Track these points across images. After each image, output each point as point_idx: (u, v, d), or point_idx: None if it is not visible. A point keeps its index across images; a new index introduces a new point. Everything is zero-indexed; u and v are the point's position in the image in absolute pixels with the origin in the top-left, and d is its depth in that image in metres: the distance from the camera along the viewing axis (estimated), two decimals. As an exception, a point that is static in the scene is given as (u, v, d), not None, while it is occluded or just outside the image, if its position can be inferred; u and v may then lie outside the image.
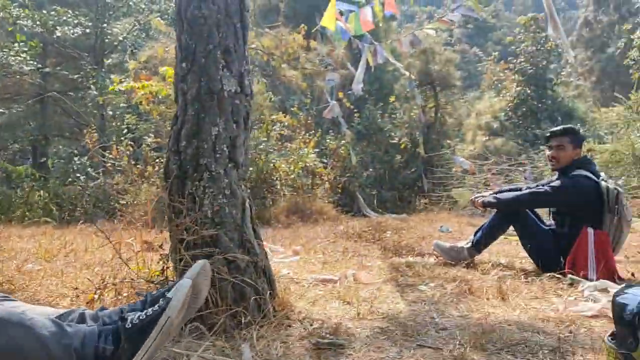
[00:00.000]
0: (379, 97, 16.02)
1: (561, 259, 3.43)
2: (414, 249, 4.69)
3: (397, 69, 13.85)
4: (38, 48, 12.30)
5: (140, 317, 1.57)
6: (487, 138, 18.21)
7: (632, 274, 3.66)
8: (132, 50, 14.13)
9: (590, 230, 3.39)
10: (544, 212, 4.57)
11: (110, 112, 13.16)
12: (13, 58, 11.58)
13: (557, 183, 3.61)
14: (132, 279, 2.42)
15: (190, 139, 2.23)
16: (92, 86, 13.23)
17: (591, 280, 3.19)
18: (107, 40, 15.01)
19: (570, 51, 7.03)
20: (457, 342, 2.09)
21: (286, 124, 9.27)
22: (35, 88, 14.07)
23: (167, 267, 2.28)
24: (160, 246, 2.35)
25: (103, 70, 14.05)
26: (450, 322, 2.39)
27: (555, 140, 3.66)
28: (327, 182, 9.43)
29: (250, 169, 8.08)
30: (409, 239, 5.42)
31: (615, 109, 17.30)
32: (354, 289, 2.90)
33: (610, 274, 3.33)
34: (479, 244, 3.84)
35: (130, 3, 15.04)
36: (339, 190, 9.97)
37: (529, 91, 18.07)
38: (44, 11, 13.07)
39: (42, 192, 9.28)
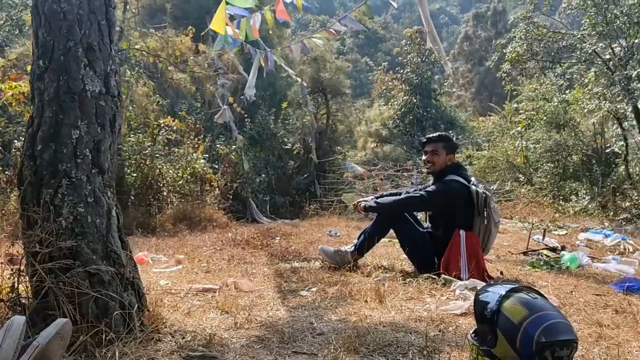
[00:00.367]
0: (273, 103, 16.04)
1: (436, 260, 3.59)
2: (301, 254, 4.70)
3: (290, 75, 13.97)
4: None
5: None
6: (377, 145, 18.90)
7: (501, 272, 3.92)
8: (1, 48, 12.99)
9: (462, 232, 3.58)
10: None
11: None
12: None
13: (431, 188, 3.79)
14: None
15: (47, 142, 2.05)
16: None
17: (463, 279, 3.37)
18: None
19: (448, 63, 7.43)
20: (332, 347, 2.09)
21: (175, 128, 8.96)
22: None
23: (20, 283, 2.07)
24: (11, 260, 2.13)
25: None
26: (327, 327, 2.40)
27: (430, 146, 3.84)
28: (217, 188, 9.23)
29: (134, 174, 7.70)
30: (297, 245, 5.43)
31: (491, 118, 18.68)
32: (233, 297, 2.83)
33: (481, 273, 3.54)
34: (362, 248, 3.92)
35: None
36: (231, 197, 9.80)
37: (415, 100, 19.02)
38: None
39: None
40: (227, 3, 5.96)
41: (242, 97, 8.96)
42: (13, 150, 7.55)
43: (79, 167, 2.08)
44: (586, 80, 11.06)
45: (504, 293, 1.84)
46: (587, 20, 10.65)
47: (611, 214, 8.80)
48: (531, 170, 12.70)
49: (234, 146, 10.52)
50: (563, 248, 5.10)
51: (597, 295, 3.18)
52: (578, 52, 11.28)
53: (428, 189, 3.82)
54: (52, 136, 2.06)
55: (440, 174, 3.81)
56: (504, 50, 13.39)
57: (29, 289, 2.07)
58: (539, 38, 11.79)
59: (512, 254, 5.04)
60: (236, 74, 9.99)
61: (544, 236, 5.77)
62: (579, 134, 11.77)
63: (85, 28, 2.16)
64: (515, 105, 15.13)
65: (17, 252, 2.49)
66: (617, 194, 9.58)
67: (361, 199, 4.17)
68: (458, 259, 3.52)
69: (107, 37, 2.25)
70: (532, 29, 11.83)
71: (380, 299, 2.87)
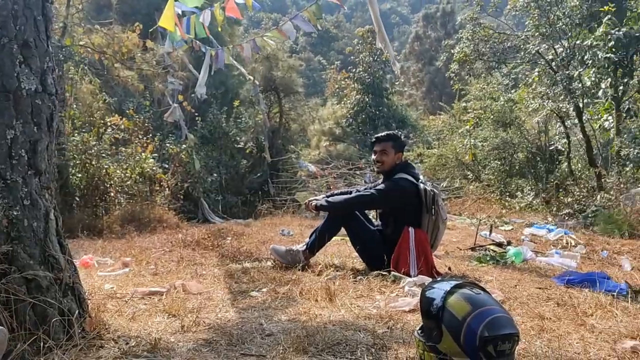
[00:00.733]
0: (224, 102, 15.87)
1: (386, 257, 3.62)
2: (253, 255, 4.66)
3: (242, 74, 13.84)
4: None
5: None
6: (330, 143, 18.97)
7: (449, 268, 4.00)
8: None
9: (411, 230, 3.64)
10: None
11: None
12: None
13: (381, 186, 3.83)
14: None
15: (-22, 143, 1.95)
16: None
17: (412, 276, 3.41)
18: None
19: (396, 63, 7.53)
20: (281, 347, 2.08)
21: (122, 127, 8.71)
22: None
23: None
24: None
25: None
26: (277, 327, 2.38)
27: (379, 146, 3.88)
28: (167, 189, 9.05)
29: (79, 175, 7.44)
30: (249, 245, 5.39)
31: (441, 117, 19.07)
32: (181, 300, 2.77)
33: (429, 269, 3.61)
34: (313, 246, 3.92)
35: None
36: (182, 197, 9.63)
37: (367, 99, 19.19)
38: None
39: None
40: (175, 0, 5.85)
41: (192, 95, 8.82)
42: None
43: (14, 168, 1.99)
44: (530, 80, 11.45)
45: (448, 289, 1.87)
46: (531, 21, 11.02)
47: (554, 209, 9.13)
48: (479, 167, 13.04)
49: (184, 145, 10.35)
50: (509, 243, 5.26)
51: (539, 288, 3.29)
52: (522, 53, 11.65)
53: (378, 187, 3.86)
54: (-17, 136, 1.96)
55: (389, 172, 3.85)
56: (452, 51, 13.69)
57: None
58: (486, 39, 12.12)
59: (461, 249, 5.15)
60: (186, 71, 9.83)
61: (490, 232, 5.93)
62: (524, 132, 12.17)
63: (21, 24, 2.06)
64: (464, 104, 15.51)
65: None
66: (560, 189, 9.95)
67: (312, 198, 4.17)
68: (407, 256, 3.57)
69: (43, 33, 2.15)
70: (478, 30, 12.14)
71: (331, 297, 2.87)
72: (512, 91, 13.98)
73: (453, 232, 6.67)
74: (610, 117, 9.09)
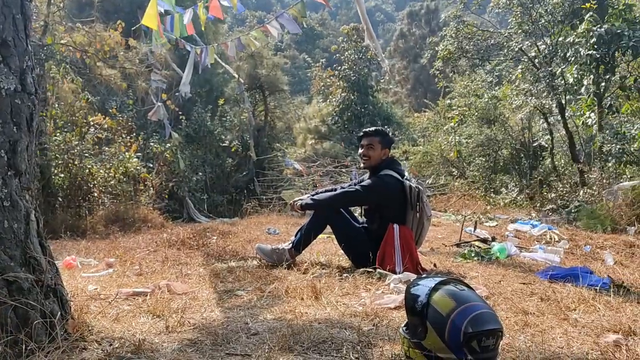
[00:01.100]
0: (209, 100, 15.79)
1: (371, 254, 3.63)
2: (238, 254, 4.65)
3: (227, 72, 13.77)
4: None
5: None
6: (316, 141, 18.96)
7: (435, 265, 4.02)
8: None
9: (396, 226, 3.65)
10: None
11: None
12: None
13: (367, 182, 3.84)
14: None
15: (-44, 143, 1.92)
16: None
17: (398, 273, 3.43)
18: None
19: (385, 60, 7.54)
20: (267, 346, 2.07)
21: (105, 126, 8.63)
22: None
23: None
24: None
25: None
26: (262, 326, 2.37)
27: (366, 140, 3.89)
28: (152, 188, 8.98)
29: (62, 175, 7.35)
30: (235, 244, 5.38)
31: (426, 114, 19.17)
32: (165, 300, 2.75)
33: (415, 266, 3.62)
34: (299, 245, 3.92)
35: None
36: (166, 196, 9.56)
37: (353, 97, 19.20)
38: None
39: None
40: (157, -2, 5.81)
41: (177, 94, 8.75)
42: None
43: (-7, 169, 1.96)
44: (514, 77, 11.54)
45: (433, 286, 1.88)
46: (514, 19, 11.10)
47: (538, 205, 9.23)
48: (464, 164, 13.13)
49: (168, 144, 10.27)
50: (493, 239, 5.30)
51: (523, 284, 3.31)
52: (506, 50, 11.73)
53: (363, 183, 3.87)
54: (-39, 137, 1.92)
55: (375, 168, 3.86)
56: (437, 48, 13.75)
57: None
58: (469, 36, 12.18)
59: (446, 246, 5.18)
60: (170, 70, 9.76)
61: (475, 228, 5.97)
62: (508, 128, 12.26)
63: (-1, 22, 2.03)
64: (449, 101, 15.59)
65: None
66: (544, 185, 10.06)
67: (297, 198, 4.16)
68: (392, 253, 3.58)
69: (22, 31, 2.11)
70: (462, 27, 12.20)
71: (317, 295, 2.87)
72: (496, 88, 14.08)
73: (438, 228, 6.71)
74: (592, 114, 9.19)
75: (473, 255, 4.42)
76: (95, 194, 7.57)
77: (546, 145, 11.27)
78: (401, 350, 1.96)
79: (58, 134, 7.68)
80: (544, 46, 10.26)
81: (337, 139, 18.42)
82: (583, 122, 9.65)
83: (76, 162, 7.44)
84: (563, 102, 9.88)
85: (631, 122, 8.60)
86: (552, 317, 2.54)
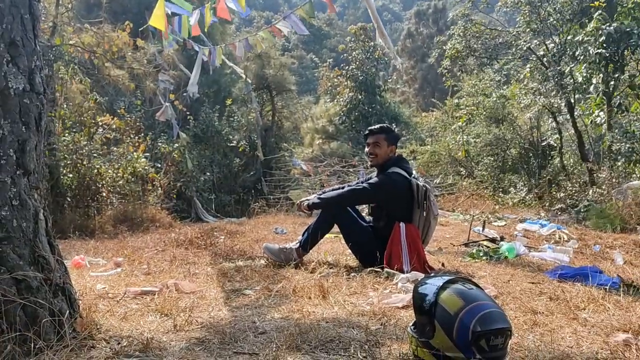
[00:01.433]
0: (217, 100, 15.82)
1: (378, 253, 3.62)
2: (246, 253, 4.65)
3: (234, 72, 13.80)
4: None
5: None
6: (324, 141, 18.95)
7: (442, 264, 4.00)
8: None
9: (402, 225, 3.64)
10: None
11: None
12: None
13: (374, 180, 3.83)
14: None
15: (-35, 143, 1.93)
16: None
17: (405, 272, 3.41)
18: None
19: (397, 57, 7.52)
20: (274, 345, 2.07)
21: (113, 126, 8.67)
22: None
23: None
24: None
25: None
26: (270, 325, 2.37)
27: (372, 138, 3.88)
28: (160, 188, 9.01)
29: (70, 175, 7.39)
30: (243, 243, 5.38)
31: (434, 113, 19.11)
32: (173, 299, 2.76)
33: (422, 264, 3.61)
34: (307, 244, 3.92)
35: None
36: (174, 196, 9.60)
37: (360, 97, 19.17)
38: None
39: None
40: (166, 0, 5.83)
41: (184, 94, 8.78)
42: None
43: (2, 168, 1.97)
44: (522, 76, 11.48)
45: (441, 285, 1.87)
46: (522, 18, 11.05)
47: (547, 204, 9.18)
48: (472, 163, 13.07)
49: (176, 144, 10.31)
50: (502, 239, 5.27)
51: (532, 283, 3.29)
52: (514, 49, 11.68)
53: (371, 181, 3.86)
54: (-30, 136, 1.94)
55: (382, 166, 3.85)
56: (445, 47, 13.71)
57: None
58: (477, 35, 12.15)
59: (454, 245, 5.16)
60: (177, 70, 9.79)
61: (483, 227, 5.94)
62: (516, 128, 12.21)
63: (7, 22, 2.04)
64: (457, 100, 15.54)
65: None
66: (553, 185, 10.00)
67: (304, 199, 4.16)
68: (400, 252, 3.57)
69: (31, 31, 2.13)
70: (470, 26, 12.17)
71: (324, 295, 2.86)
72: (504, 87, 14.02)
73: (446, 228, 6.68)
74: (601, 112, 9.14)
75: (481, 254, 4.40)
76: (104, 194, 7.61)
77: (555, 145, 11.21)
78: (409, 350, 1.95)
79: (67, 134, 7.73)
80: (552, 45, 10.21)
81: (344, 138, 18.40)
82: (592, 121, 9.59)
83: (85, 162, 7.48)
84: (572, 101, 9.82)
85: (641, 120, 8.54)
86: (561, 316, 2.53)
